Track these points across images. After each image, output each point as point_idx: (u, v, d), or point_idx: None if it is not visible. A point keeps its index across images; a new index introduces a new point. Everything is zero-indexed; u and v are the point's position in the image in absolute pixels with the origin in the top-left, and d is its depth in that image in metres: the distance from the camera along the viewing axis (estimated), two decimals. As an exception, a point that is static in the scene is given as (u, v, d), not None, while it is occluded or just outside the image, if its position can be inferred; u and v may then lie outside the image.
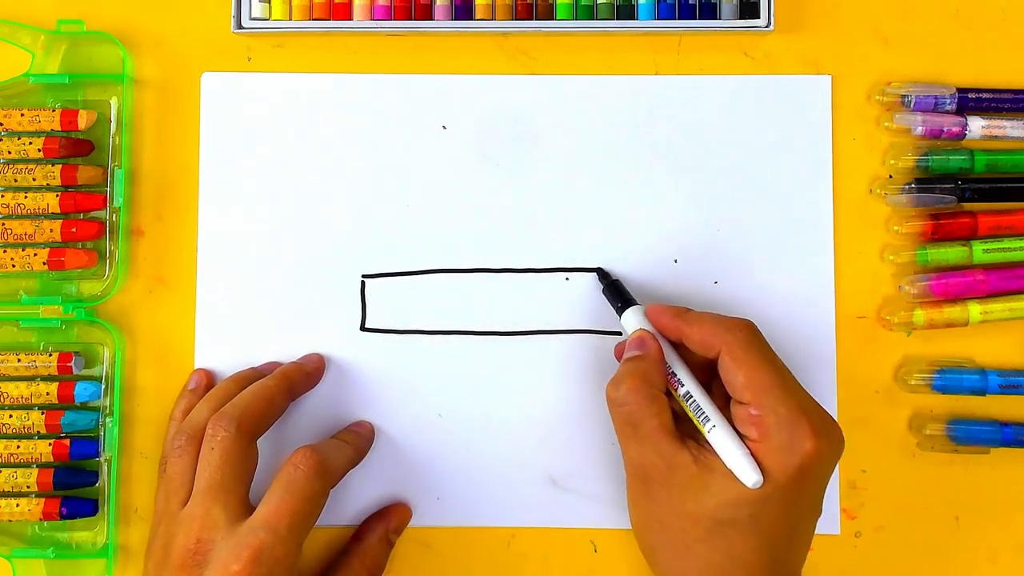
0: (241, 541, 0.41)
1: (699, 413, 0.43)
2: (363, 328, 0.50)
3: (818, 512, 0.43)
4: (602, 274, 0.49)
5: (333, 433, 0.48)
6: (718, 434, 0.42)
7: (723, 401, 0.43)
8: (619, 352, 0.48)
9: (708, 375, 0.45)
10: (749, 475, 0.40)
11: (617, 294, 0.48)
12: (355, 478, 0.48)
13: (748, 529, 0.41)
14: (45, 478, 0.48)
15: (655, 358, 0.44)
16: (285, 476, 0.43)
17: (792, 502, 0.41)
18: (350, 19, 0.50)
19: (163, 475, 0.45)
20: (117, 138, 0.50)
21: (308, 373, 0.48)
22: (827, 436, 0.41)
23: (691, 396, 0.43)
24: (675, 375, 0.44)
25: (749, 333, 0.43)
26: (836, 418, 0.48)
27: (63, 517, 0.48)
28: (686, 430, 0.43)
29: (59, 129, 0.49)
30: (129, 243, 0.50)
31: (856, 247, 0.50)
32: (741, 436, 0.42)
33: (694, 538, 0.41)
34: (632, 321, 0.46)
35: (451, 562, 0.49)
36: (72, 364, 0.49)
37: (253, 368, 0.49)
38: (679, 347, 0.45)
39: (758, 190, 0.50)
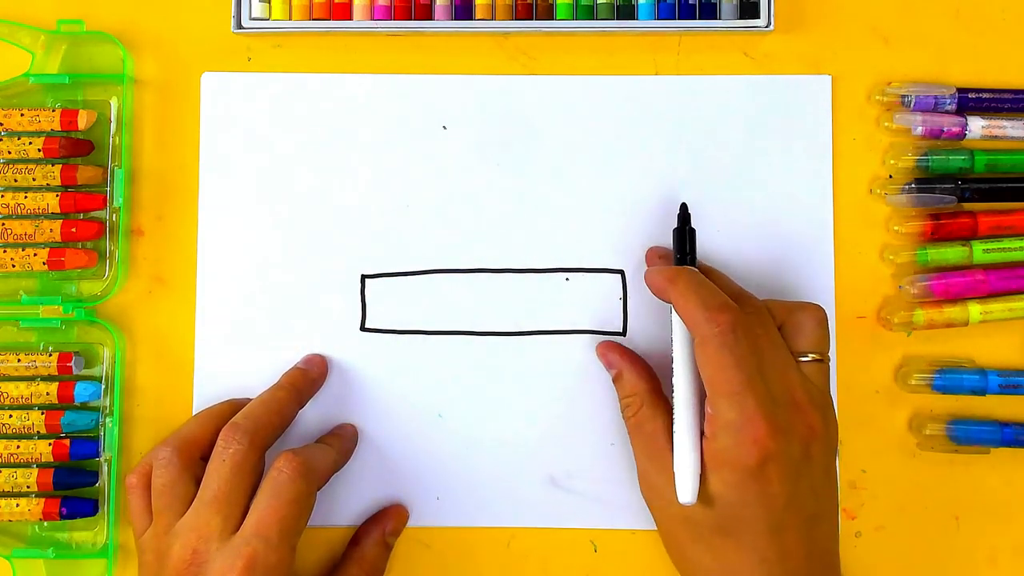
0: (234, 551, 0.41)
1: (676, 407, 0.42)
2: (363, 328, 0.50)
3: (824, 494, 0.42)
4: (684, 214, 0.47)
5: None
6: (678, 438, 0.41)
7: None
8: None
9: None
10: (683, 492, 0.40)
11: (680, 246, 0.46)
12: (354, 478, 0.48)
13: (724, 534, 0.41)
14: (45, 478, 0.48)
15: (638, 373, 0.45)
16: (269, 482, 0.43)
17: (755, 502, 0.40)
18: (350, 19, 0.50)
19: (138, 489, 0.45)
20: (117, 138, 0.50)
21: (313, 379, 0.48)
22: (785, 432, 0.40)
23: (674, 386, 0.43)
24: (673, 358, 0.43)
25: (728, 329, 0.40)
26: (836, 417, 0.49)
27: (63, 517, 0.48)
28: None
29: (59, 129, 0.49)
30: (129, 243, 0.50)
31: (856, 247, 0.50)
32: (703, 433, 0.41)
33: (685, 541, 0.42)
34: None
35: (451, 562, 0.49)
36: (72, 364, 0.49)
37: (230, 401, 0.48)
38: None
39: (758, 190, 0.50)
